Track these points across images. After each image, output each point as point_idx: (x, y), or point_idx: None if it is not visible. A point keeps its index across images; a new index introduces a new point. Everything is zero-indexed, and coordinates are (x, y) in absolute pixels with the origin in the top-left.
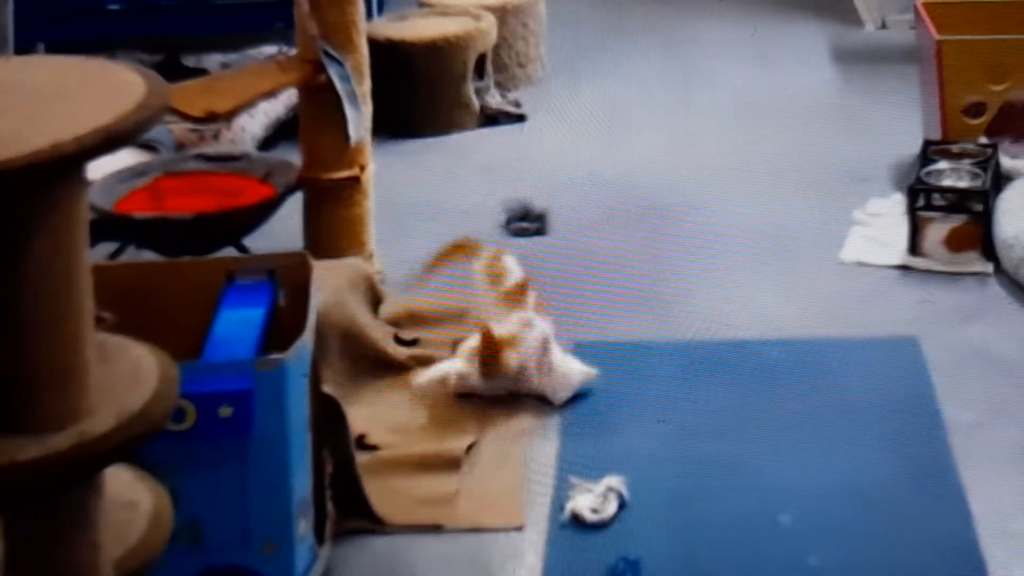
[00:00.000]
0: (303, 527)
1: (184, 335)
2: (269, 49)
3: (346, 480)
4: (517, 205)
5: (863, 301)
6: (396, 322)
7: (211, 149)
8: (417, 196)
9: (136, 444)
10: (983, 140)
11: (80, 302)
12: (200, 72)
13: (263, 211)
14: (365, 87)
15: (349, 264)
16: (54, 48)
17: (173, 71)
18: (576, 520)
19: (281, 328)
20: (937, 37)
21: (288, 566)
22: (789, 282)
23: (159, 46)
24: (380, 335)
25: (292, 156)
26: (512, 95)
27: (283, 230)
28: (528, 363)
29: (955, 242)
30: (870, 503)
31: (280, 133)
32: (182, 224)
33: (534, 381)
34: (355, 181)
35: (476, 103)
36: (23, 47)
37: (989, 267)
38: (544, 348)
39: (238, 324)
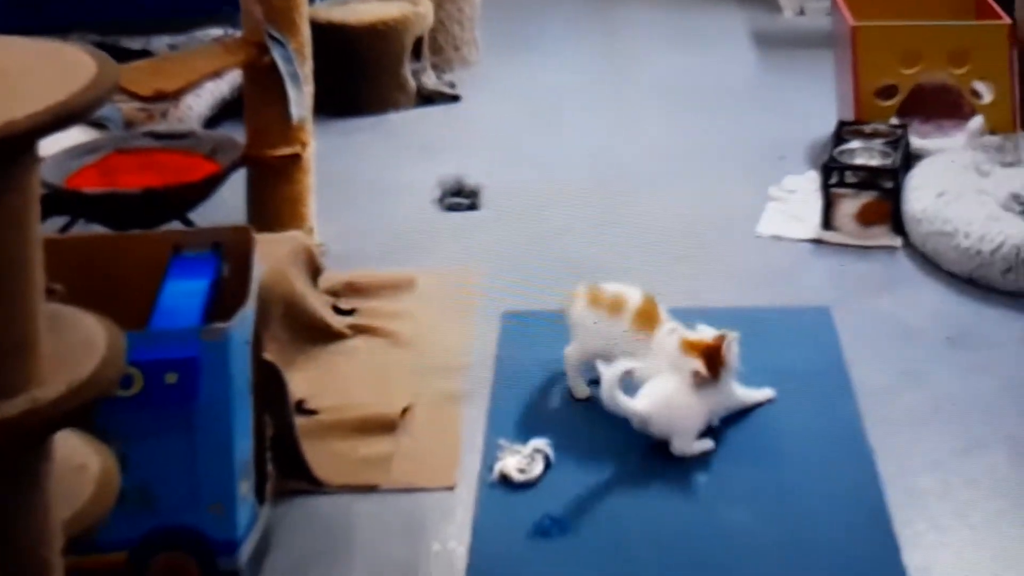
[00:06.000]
0: (245, 488)
1: (132, 305)
2: (215, 31)
3: (286, 443)
4: (451, 181)
5: (779, 273)
6: (335, 292)
7: (159, 127)
8: (356, 172)
9: (85, 410)
10: (894, 121)
11: (31, 274)
12: (148, 54)
13: (208, 187)
14: (307, 68)
15: (290, 237)
16: (3, 33)
17: (120, 53)
18: (504, 480)
19: (225, 298)
20: (852, 23)
21: (231, 525)
22: (710, 255)
23: (108, 29)
24: (320, 305)
25: (237, 134)
26: (447, 76)
27: (227, 205)
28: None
29: (866, 217)
30: (783, 463)
31: (225, 112)
32: (130, 199)
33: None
34: (297, 158)
35: (413, 84)
36: None
37: (898, 241)
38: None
39: (184, 294)
